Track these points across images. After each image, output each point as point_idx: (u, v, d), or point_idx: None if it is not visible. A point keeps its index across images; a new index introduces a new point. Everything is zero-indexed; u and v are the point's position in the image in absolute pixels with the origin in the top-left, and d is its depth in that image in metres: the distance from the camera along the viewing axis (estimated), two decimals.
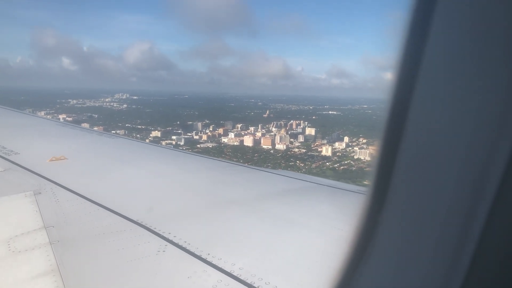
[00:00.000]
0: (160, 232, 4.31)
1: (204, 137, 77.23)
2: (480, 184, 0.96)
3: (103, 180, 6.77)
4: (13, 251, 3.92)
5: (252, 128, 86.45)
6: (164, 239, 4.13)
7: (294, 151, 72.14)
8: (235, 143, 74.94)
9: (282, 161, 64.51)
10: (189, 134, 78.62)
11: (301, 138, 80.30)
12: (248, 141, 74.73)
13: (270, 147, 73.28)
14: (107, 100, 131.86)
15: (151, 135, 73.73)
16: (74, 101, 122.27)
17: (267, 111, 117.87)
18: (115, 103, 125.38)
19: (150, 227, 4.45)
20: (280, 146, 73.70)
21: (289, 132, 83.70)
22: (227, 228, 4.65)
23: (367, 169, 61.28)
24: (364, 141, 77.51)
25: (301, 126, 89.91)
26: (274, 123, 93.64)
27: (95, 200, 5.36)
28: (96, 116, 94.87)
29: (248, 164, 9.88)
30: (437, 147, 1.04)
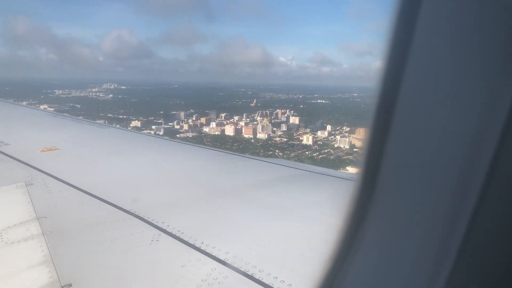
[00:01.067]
0: (154, 222, 4.29)
1: (185, 127, 76.42)
2: (467, 176, 0.96)
3: (95, 170, 6.72)
4: (6, 242, 3.91)
5: (236, 117, 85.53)
6: (158, 229, 4.12)
7: (275, 140, 71.57)
8: (216, 133, 74.24)
9: (261, 150, 63.95)
10: (170, 124, 77.79)
11: (284, 127, 79.67)
12: (229, 131, 74.01)
13: (252, 136, 72.63)
14: (94, 90, 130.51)
15: (131, 124, 72.86)
16: (60, 91, 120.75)
17: (254, 100, 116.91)
18: (101, 93, 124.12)
19: (143, 217, 4.43)
20: (261, 135, 73.06)
21: (272, 121, 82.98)
22: (220, 217, 4.64)
23: (345, 157, 61.01)
24: (347, 129, 77.19)
25: (286, 115, 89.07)
26: (259, 112, 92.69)
27: (87, 191, 5.31)
28: (79, 106, 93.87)
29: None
30: (425, 137, 1.03)
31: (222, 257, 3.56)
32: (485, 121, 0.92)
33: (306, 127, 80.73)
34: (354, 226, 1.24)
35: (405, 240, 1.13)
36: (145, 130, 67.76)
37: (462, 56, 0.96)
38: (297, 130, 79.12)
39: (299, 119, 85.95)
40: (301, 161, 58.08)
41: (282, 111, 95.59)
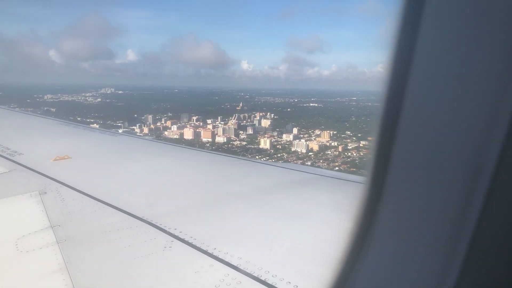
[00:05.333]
0: (166, 228, 4.29)
1: (146, 130, 74.51)
2: (473, 177, 0.96)
3: (108, 178, 6.81)
4: (21, 251, 3.96)
5: (209, 121, 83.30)
6: (170, 235, 4.13)
7: (233, 144, 68.63)
8: (175, 136, 71.80)
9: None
10: (132, 127, 76.00)
11: (250, 130, 76.54)
12: (188, 134, 71.55)
13: (210, 139, 69.78)
14: (87, 94, 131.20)
15: (90, 126, 71.34)
16: (49, 96, 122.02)
17: (241, 104, 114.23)
18: (91, 98, 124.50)
19: (156, 224, 4.43)
20: (220, 139, 70.20)
21: (241, 124, 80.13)
22: (232, 221, 4.67)
23: (295, 161, 57.24)
24: (318, 132, 73.45)
25: (257, 118, 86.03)
26: (236, 115, 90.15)
27: (100, 198, 5.36)
28: (54, 109, 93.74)
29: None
30: (432, 139, 1.05)
31: (235, 263, 3.56)
32: (489, 123, 0.93)
33: (273, 130, 77.32)
34: (364, 228, 1.26)
35: (414, 241, 1.14)
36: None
37: (466, 58, 0.96)
38: (265, 133, 75.84)
39: (270, 122, 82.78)
40: None
41: (261, 114, 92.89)
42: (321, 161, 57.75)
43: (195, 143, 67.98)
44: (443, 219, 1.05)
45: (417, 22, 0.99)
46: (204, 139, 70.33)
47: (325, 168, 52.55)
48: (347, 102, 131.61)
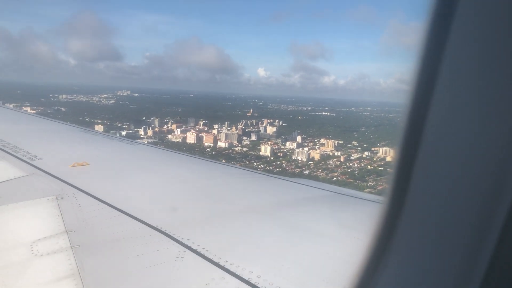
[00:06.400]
0: (179, 238, 4.31)
1: (150, 133, 74.44)
2: (494, 195, 0.96)
3: (124, 185, 6.87)
4: (36, 254, 4.03)
5: (216, 126, 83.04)
6: (183, 245, 4.15)
7: (234, 150, 67.92)
8: (178, 140, 71.61)
9: (207, 158, 60.42)
10: (137, 129, 76.21)
11: (254, 137, 75.81)
12: (190, 138, 71.03)
13: (212, 144, 69.27)
14: (103, 96, 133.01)
15: (95, 127, 72.00)
16: (64, 96, 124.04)
17: (251, 110, 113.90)
18: (105, 99, 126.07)
19: (169, 233, 4.45)
20: (222, 144, 69.57)
21: (246, 130, 79.55)
22: (245, 235, 4.66)
23: (293, 170, 56.16)
24: (323, 141, 72.22)
25: (263, 125, 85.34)
26: (243, 121, 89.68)
27: (116, 206, 5.39)
28: (65, 109, 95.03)
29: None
30: (454, 156, 1.04)
31: (246, 277, 3.57)
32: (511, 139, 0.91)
33: (278, 137, 76.38)
34: (381, 248, 1.24)
35: (432, 262, 1.13)
36: (104, 133, 66.44)
37: (493, 71, 0.94)
38: (268, 140, 74.97)
39: (276, 129, 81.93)
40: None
41: (269, 121, 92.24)
42: (320, 170, 56.42)
43: (196, 148, 67.67)
44: (463, 241, 1.02)
45: (443, 40, 0.97)
46: (206, 144, 69.82)
47: (323, 179, 51.30)
48: (361, 112, 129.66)
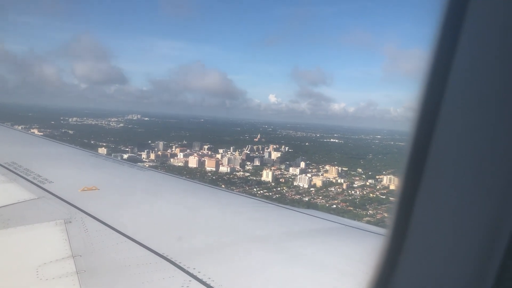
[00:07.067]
0: (185, 267, 4.31)
1: (152, 156, 74.42)
2: (499, 223, 0.96)
3: (133, 211, 6.88)
4: (41, 279, 4.04)
5: (222, 150, 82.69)
6: (189, 274, 4.15)
7: (235, 175, 67.03)
8: (180, 164, 71.19)
9: (208, 183, 59.60)
10: (140, 152, 76.15)
11: (257, 162, 74.98)
12: (192, 162, 70.57)
13: (214, 169, 68.57)
14: (112, 119, 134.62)
15: (98, 150, 72.04)
16: (74, 119, 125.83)
17: (258, 135, 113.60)
18: (113, 123, 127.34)
19: (175, 261, 4.44)
20: (224, 169, 68.82)
21: (250, 155, 78.86)
22: (251, 265, 4.65)
23: (293, 196, 54.94)
24: (327, 168, 71.04)
25: (268, 151, 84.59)
26: (249, 146, 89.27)
27: (123, 232, 5.37)
28: (72, 132, 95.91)
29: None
30: (458, 179, 1.03)
31: None
32: None
33: (282, 163, 75.40)
34: (383, 280, 1.22)
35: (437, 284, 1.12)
36: (107, 155, 66.37)
37: (496, 100, 0.94)
38: (272, 165, 74.03)
39: (281, 155, 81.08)
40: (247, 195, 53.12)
41: (274, 146, 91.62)
42: (320, 197, 55.01)
43: (197, 172, 67.01)
44: (463, 276, 1.02)
45: (448, 66, 0.97)
46: (208, 168, 69.20)
47: (322, 206, 49.90)
48: (370, 140, 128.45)
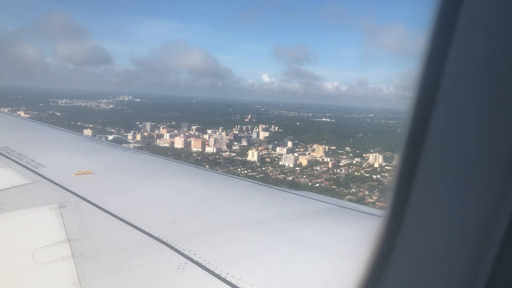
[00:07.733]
0: (181, 249, 4.32)
1: (138, 138, 73.59)
2: (499, 202, 0.95)
3: (127, 195, 6.91)
4: (37, 263, 4.04)
5: (210, 131, 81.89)
6: (184, 257, 4.16)
7: (222, 155, 66.52)
8: (166, 145, 70.52)
9: (192, 163, 59.13)
10: (126, 133, 75.35)
11: (244, 142, 74.41)
12: (178, 143, 69.90)
13: (200, 149, 68.01)
14: (103, 101, 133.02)
15: (83, 131, 71.23)
16: (64, 101, 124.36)
17: (249, 116, 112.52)
18: (104, 104, 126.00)
19: (171, 244, 4.45)
20: (210, 149, 68.26)
21: (238, 135, 78.23)
22: (247, 247, 4.64)
23: (277, 176, 54.56)
24: (314, 147, 70.57)
25: (256, 130, 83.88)
26: (238, 127, 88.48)
27: (118, 215, 5.36)
28: (59, 114, 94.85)
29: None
30: (457, 161, 1.03)
31: None
32: None
33: (269, 143, 74.86)
34: (380, 263, 1.23)
35: (432, 276, 1.12)
36: (92, 137, 65.67)
37: (495, 80, 0.94)
38: (259, 145, 73.49)
39: (269, 135, 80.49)
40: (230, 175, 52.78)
41: (263, 126, 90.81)
42: (304, 176, 54.66)
43: (183, 153, 66.44)
44: (462, 258, 1.02)
45: (446, 50, 0.96)
46: (194, 149, 68.58)
47: (304, 185, 49.56)
48: (362, 119, 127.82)
